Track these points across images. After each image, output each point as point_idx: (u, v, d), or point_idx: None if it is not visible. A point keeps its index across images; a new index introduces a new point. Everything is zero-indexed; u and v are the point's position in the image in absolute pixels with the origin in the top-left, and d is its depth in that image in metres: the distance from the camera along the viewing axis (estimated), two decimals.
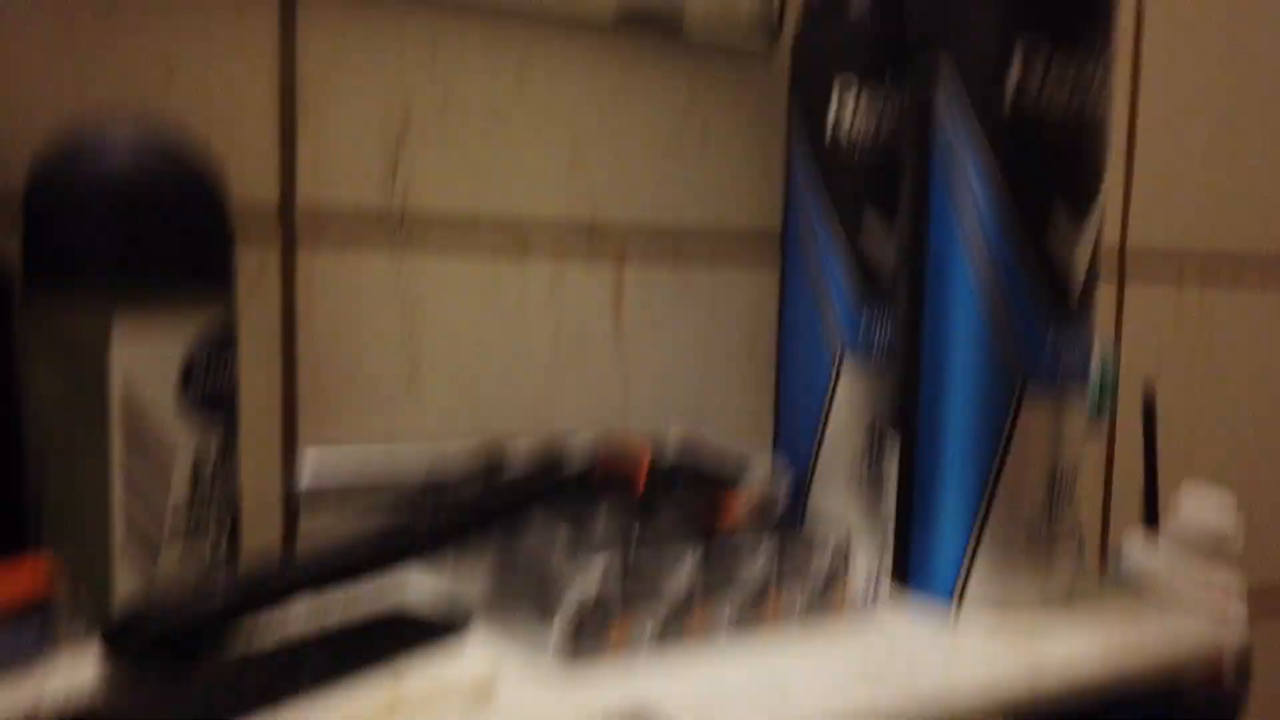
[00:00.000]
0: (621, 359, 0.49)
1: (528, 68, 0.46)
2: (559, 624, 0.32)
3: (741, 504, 0.40)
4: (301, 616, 0.33)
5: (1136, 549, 0.49)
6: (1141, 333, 0.66)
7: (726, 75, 0.50)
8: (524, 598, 0.34)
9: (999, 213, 0.37)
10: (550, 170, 0.47)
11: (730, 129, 0.51)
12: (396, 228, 0.43)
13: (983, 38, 0.38)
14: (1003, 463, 0.38)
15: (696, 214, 0.50)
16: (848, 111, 0.45)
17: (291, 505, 0.42)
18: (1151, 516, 0.53)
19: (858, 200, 0.45)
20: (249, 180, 0.40)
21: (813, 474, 0.46)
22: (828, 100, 0.46)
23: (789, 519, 0.39)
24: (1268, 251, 0.71)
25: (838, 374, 0.46)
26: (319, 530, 0.34)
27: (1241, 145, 0.69)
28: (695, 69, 0.49)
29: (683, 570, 0.34)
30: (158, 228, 0.33)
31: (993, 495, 0.38)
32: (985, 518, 0.38)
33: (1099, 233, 0.39)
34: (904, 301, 0.40)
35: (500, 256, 0.46)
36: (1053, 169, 0.38)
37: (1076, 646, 0.36)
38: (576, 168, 0.47)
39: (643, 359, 0.50)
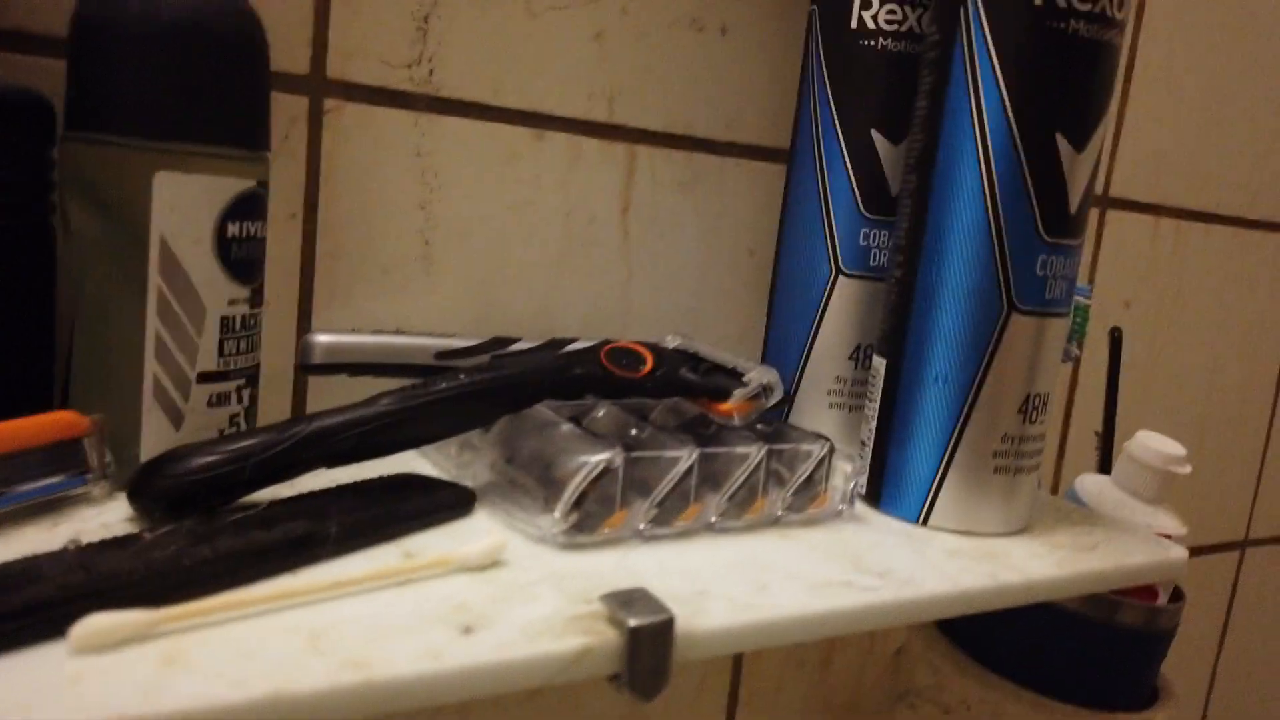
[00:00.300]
0: (625, 263, 0.50)
1: None
2: (560, 511, 0.34)
3: (733, 410, 0.42)
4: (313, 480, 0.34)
5: (1087, 488, 0.52)
6: (1116, 277, 0.68)
7: None
8: (526, 488, 0.36)
9: (1009, 135, 0.39)
10: (576, 56, 0.47)
11: (750, 25, 0.51)
12: (420, 110, 0.44)
13: None
14: (980, 386, 0.40)
15: (710, 121, 0.51)
16: (869, 19, 0.46)
17: (301, 381, 0.44)
18: (1106, 457, 0.56)
19: (870, 118, 0.47)
20: (281, 52, 0.40)
21: (796, 391, 0.49)
22: (851, 2, 0.46)
23: (776, 427, 0.41)
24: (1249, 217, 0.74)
25: (831, 293, 0.48)
26: (326, 406, 0.35)
27: (1235, 108, 0.71)
28: None
29: (679, 468, 0.36)
30: (209, 80, 0.33)
31: (967, 419, 0.41)
32: (958, 443, 0.41)
33: (1096, 165, 0.41)
34: (907, 218, 0.42)
35: (517, 147, 0.47)
36: (1064, 95, 0.39)
37: (1032, 564, 0.40)
38: (602, 54, 0.48)
39: (645, 266, 0.51)
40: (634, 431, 0.39)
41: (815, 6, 0.48)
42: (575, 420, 0.39)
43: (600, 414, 0.40)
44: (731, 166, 0.53)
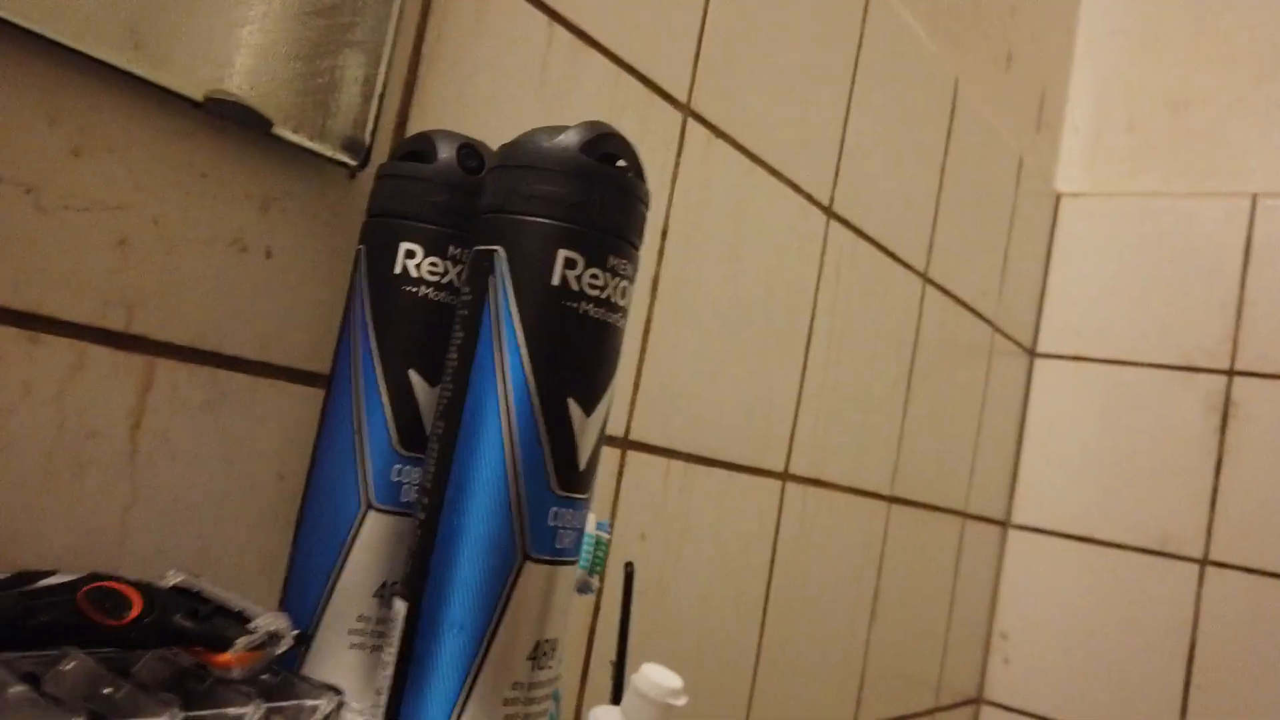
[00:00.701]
0: (129, 486, 0.45)
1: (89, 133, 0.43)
2: None
3: (234, 662, 0.38)
4: None
5: None
6: (634, 512, 0.75)
7: (307, 191, 0.51)
8: None
9: (529, 395, 0.42)
10: (92, 260, 0.43)
11: (299, 252, 0.51)
12: None
13: (533, 245, 0.43)
14: (494, 634, 0.41)
15: (244, 340, 0.50)
16: (412, 268, 0.48)
17: None
18: (618, 688, 0.60)
19: (409, 358, 0.48)
20: None
21: (316, 631, 0.46)
22: (396, 250, 0.48)
23: (283, 679, 0.38)
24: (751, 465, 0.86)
25: (360, 527, 0.47)
26: None
27: (734, 369, 0.84)
28: (278, 172, 0.50)
29: None
30: None
31: (480, 667, 0.41)
32: (470, 691, 0.41)
33: (603, 427, 0.46)
34: (434, 463, 0.43)
35: (4, 349, 0.41)
36: (575, 365, 0.44)
37: None
38: (124, 262, 0.44)
39: (155, 489, 0.46)
40: (107, 690, 0.34)
41: (362, 247, 0.50)
42: (33, 677, 0.34)
43: (68, 668, 0.35)
44: (265, 387, 0.51)
